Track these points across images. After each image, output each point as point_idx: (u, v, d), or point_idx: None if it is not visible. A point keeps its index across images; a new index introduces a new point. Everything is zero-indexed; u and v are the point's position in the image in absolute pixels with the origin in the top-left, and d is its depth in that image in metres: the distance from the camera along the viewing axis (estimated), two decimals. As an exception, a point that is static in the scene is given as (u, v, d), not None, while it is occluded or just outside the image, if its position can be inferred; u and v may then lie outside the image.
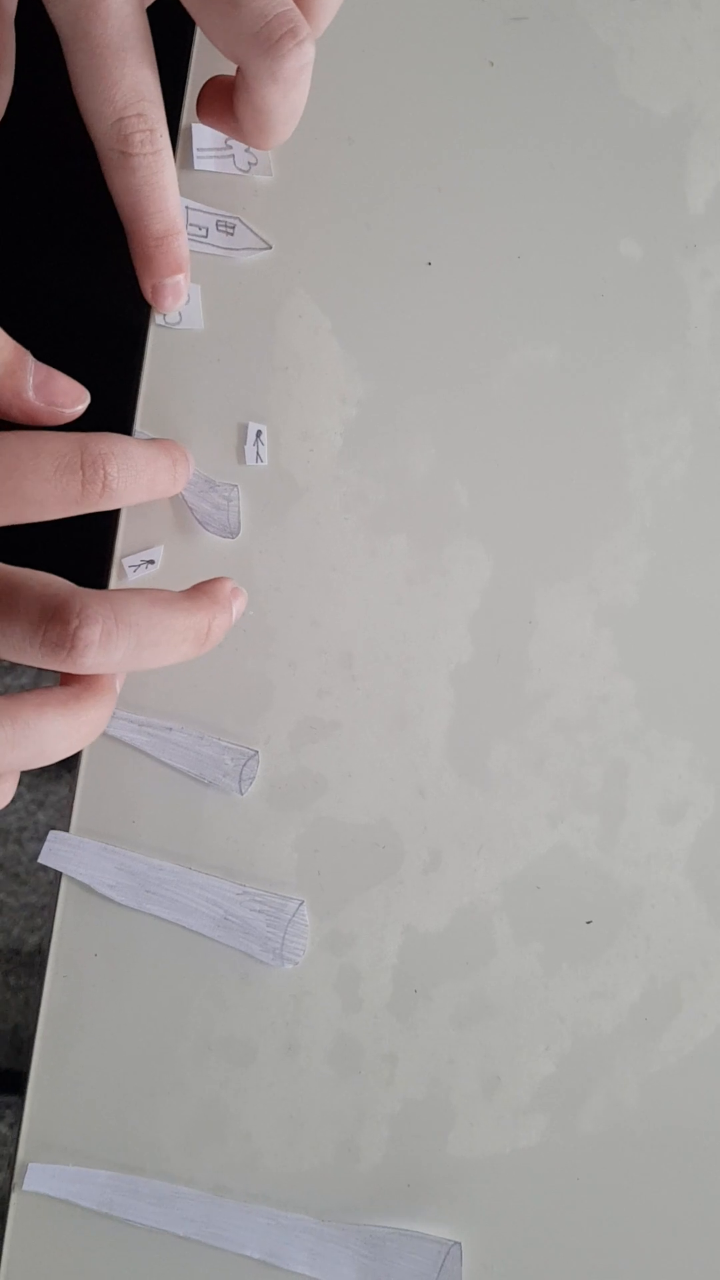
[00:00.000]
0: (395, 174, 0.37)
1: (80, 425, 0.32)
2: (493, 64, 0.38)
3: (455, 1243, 0.33)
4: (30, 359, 0.32)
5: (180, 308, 0.35)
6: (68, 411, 0.33)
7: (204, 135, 0.36)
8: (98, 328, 0.44)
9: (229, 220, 0.36)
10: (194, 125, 0.36)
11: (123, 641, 0.29)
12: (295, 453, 0.36)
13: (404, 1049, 0.34)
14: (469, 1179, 0.34)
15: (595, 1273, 0.34)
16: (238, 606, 0.33)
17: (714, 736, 0.36)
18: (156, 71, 0.32)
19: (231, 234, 0.36)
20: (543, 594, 0.36)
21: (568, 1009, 0.35)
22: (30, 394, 0.32)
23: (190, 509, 0.35)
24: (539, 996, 0.35)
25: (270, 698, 0.35)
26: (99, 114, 0.32)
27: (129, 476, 0.31)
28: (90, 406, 0.33)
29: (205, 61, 0.37)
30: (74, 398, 0.33)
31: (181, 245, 0.34)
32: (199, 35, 0.37)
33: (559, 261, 0.37)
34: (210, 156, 0.36)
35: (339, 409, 0.36)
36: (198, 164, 0.36)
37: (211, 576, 0.33)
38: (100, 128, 0.32)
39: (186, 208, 0.36)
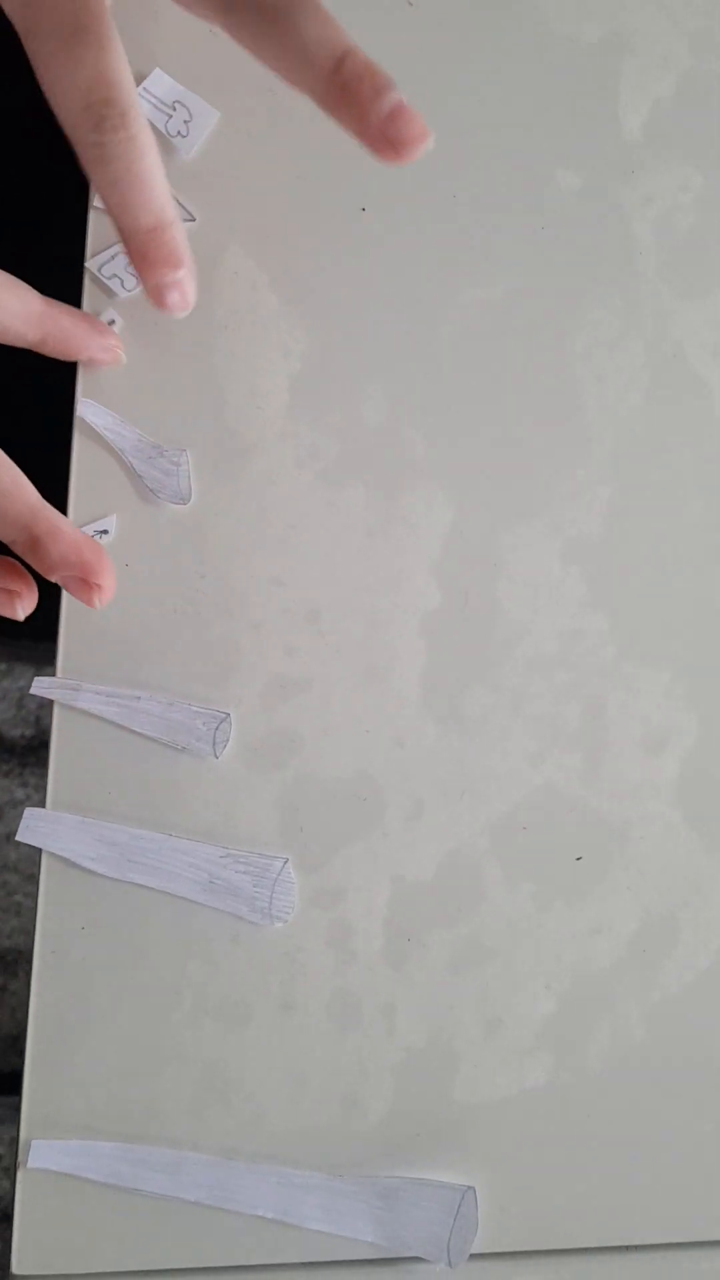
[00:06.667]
0: (321, 121, 0.37)
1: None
2: (412, 3, 0.37)
3: (469, 1188, 0.33)
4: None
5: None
6: None
7: (161, 83, 0.35)
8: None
9: (157, 185, 0.35)
10: (156, 69, 0.36)
11: None
12: (243, 411, 0.35)
13: (402, 999, 0.34)
14: (478, 1123, 0.34)
15: (612, 1208, 0.34)
16: None
17: (690, 664, 0.36)
18: (123, 57, 0.30)
19: (158, 200, 0.35)
20: (506, 535, 0.36)
21: (564, 946, 0.35)
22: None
23: (140, 476, 0.34)
24: (534, 936, 0.35)
25: (238, 660, 0.35)
26: (64, 104, 0.30)
27: None
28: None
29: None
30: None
31: (175, 238, 0.32)
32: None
33: (497, 197, 0.37)
34: (150, 102, 0.35)
35: (283, 364, 0.36)
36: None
37: (167, 544, 0.32)
38: (68, 118, 0.30)
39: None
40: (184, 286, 0.32)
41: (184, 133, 0.35)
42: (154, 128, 0.36)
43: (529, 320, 0.37)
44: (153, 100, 0.35)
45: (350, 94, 0.29)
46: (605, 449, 0.37)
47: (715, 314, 0.37)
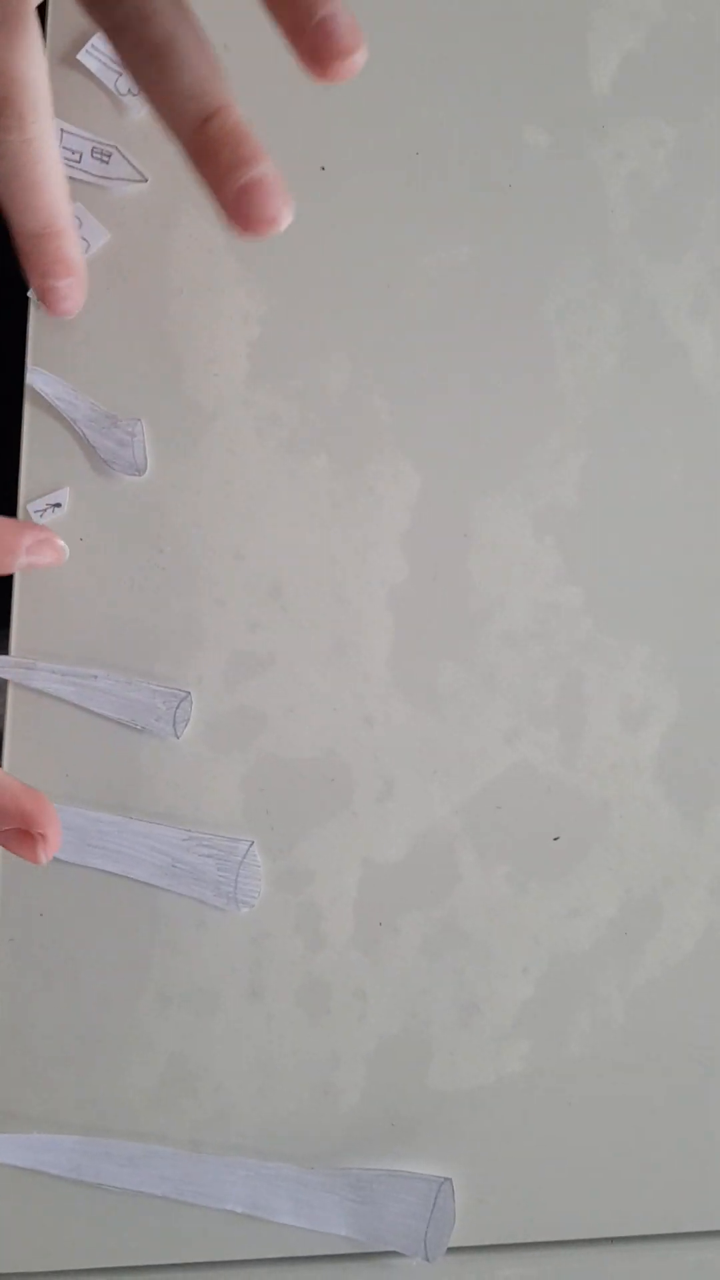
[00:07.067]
0: (278, 77, 0.35)
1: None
2: (371, -45, 0.36)
3: (446, 1179, 0.32)
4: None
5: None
6: None
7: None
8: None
9: (105, 147, 0.34)
10: None
11: None
12: (200, 379, 0.34)
13: (374, 984, 0.33)
14: (454, 1112, 0.33)
15: (594, 1199, 0.33)
16: None
17: (670, 637, 0.35)
18: (37, 56, 0.30)
19: (107, 162, 0.34)
20: (477, 505, 0.35)
21: (542, 929, 0.34)
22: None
23: (94, 447, 0.33)
24: (511, 919, 0.34)
25: (199, 637, 0.33)
26: None
27: None
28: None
29: None
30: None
31: (63, 247, 0.32)
32: None
33: (461, 154, 0.36)
34: (99, 59, 0.34)
35: (242, 329, 0.34)
36: (82, 56, 0.34)
37: (122, 517, 0.31)
38: None
39: (61, 130, 0.34)
40: (72, 292, 0.33)
41: (135, 91, 0.34)
42: (104, 87, 0.35)
43: (497, 282, 0.36)
44: (101, 58, 0.34)
45: (210, 156, 0.27)
46: (579, 415, 0.35)
47: (691, 274, 0.36)
